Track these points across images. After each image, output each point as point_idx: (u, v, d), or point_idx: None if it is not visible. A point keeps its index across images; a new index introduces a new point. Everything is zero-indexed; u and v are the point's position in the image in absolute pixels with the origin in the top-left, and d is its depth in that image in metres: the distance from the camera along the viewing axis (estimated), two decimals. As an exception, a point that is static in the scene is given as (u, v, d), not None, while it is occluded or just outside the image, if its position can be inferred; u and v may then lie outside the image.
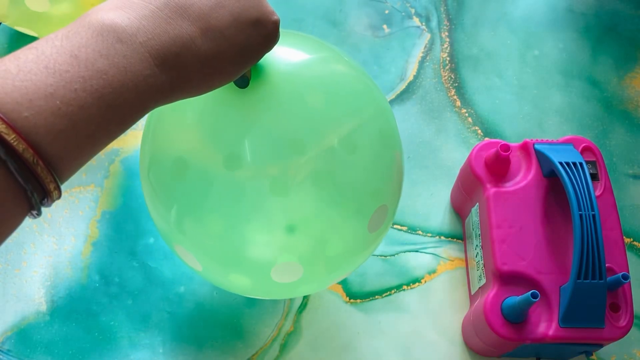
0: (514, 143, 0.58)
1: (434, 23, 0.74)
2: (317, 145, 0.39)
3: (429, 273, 0.63)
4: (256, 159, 0.39)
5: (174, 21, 0.33)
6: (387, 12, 0.75)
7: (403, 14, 0.75)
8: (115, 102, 0.31)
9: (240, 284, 0.43)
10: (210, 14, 0.35)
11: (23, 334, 0.59)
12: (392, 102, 0.70)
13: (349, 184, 0.40)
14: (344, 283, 0.62)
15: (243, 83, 0.43)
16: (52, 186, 0.30)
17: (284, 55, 0.42)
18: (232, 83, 0.43)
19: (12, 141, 0.28)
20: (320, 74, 0.42)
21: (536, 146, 0.57)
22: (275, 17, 0.39)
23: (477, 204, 0.58)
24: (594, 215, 0.50)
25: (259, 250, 0.40)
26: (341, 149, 0.40)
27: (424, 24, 0.74)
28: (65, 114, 0.29)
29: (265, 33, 0.38)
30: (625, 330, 0.52)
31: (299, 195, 0.39)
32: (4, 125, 0.27)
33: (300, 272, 0.40)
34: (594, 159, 0.57)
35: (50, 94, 0.29)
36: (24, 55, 0.30)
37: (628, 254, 0.63)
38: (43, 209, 0.31)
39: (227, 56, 0.36)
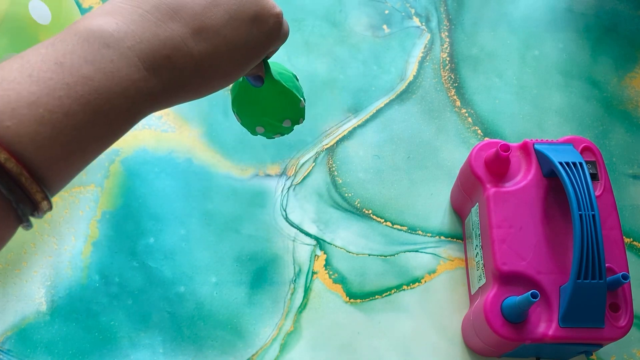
0: (514, 143, 0.58)
1: (434, 23, 0.74)
2: None
3: (429, 273, 0.63)
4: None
5: (165, 24, 0.33)
6: (387, 12, 0.75)
7: (403, 14, 0.75)
8: (103, 108, 0.30)
9: None
10: (203, 14, 0.34)
11: (23, 334, 0.59)
12: (392, 102, 0.70)
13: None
14: (344, 283, 0.62)
15: (256, 82, 0.42)
16: (39, 196, 0.29)
17: None
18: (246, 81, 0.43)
19: None
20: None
21: (536, 146, 0.57)
22: (277, 10, 0.37)
23: (477, 204, 0.58)
24: (593, 215, 0.50)
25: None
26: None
27: (424, 24, 0.74)
28: (49, 121, 0.28)
29: (266, 28, 0.37)
30: (625, 330, 0.52)
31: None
32: None
33: None
34: (594, 159, 0.57)
35: (33, 102, 0.28)
36: (9, 65, 0.29)
37: (628, 254, 0.63)
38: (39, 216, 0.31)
39: (225, 55, 0.35)
